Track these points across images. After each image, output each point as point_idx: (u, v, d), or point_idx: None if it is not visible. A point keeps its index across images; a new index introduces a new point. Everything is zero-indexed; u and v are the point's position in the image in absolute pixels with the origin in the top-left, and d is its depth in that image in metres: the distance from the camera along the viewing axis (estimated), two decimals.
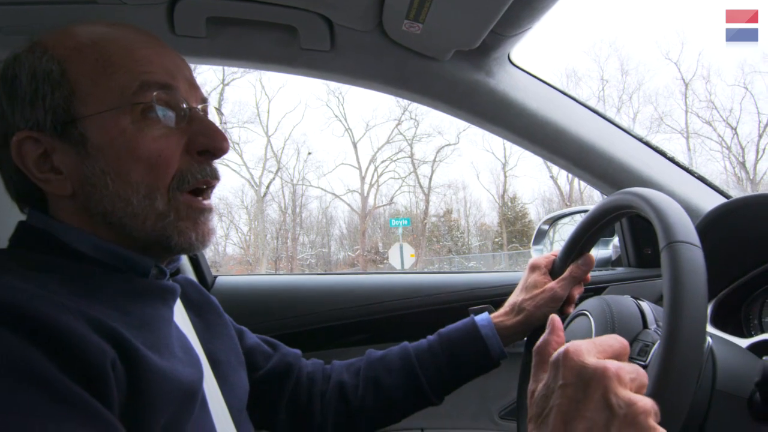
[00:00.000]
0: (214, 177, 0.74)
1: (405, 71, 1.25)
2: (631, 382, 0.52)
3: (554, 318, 0.62)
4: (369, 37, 1.18)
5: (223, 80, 25.95)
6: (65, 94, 0.67)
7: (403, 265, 18.96)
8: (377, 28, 1.16)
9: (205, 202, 0.73)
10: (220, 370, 0.81)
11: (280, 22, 1.15)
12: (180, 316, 0.80)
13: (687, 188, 1.29)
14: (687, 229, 0.67)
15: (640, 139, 1.33)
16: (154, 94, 0.69)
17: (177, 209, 0.70)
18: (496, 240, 29.59)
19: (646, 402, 0.51)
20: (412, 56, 1.22)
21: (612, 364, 0.52)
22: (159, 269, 0.74)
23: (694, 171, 1.33)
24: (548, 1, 1.04)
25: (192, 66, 0.80)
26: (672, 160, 1.33)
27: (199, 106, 0.75)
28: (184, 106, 0.72)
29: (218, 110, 0.78)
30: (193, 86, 0.75)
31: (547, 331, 0.61)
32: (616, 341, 0.56)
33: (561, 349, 0.54)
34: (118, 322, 0.61)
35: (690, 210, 1.25)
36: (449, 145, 28.38)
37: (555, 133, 1.27)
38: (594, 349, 0.54)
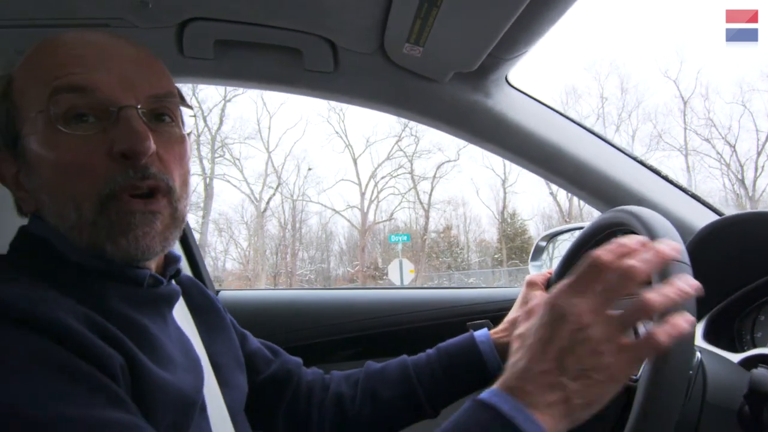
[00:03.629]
0: (143, 178, 0.66)
1: (405, 92, 1.28)
2: (592, 311, 0.57)
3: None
4: (371, 59, 1.22)
5: (225, 96, 26.13)
6: (8, 109, 0.68)
7: (403, 281, 18.91)
8: (379, 50, 1.19)
9: (138, 201, 0.66)
10: (220, 373, 0.81)
11: (286, 44, 1.19)
12: (183, 317, 0.81)
13: (680, 206, 1.32)
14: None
15: (635, 158, 1.36)
16: (68, 97, 0.65)
17: (108, 216, 0.65)
18: (496, 256, 29.51)
19: (594, 332, 0.56)
20: (413, 78, 1.25)
21: (562, 301, 0.59)
22: (154, 278, 0.72)
23: (687, 189, 1.35)
24: (544, 26, 1.07)
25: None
26: (666, 178, 1.36)
27: (139, 106, 0.67)
28: (110, 108, 0.66)
29: (183, 100, 0.73)
30: (129, 85, 0.68)
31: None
32: (583, 266, 0.60)
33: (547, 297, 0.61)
34: (120, 330, 0.62)
35: (683, 227, 1.28)
36: (449, 161, 28.48)
37: (551, 152, 1.30)
38: (565, 288, 0.60)
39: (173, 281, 0.79)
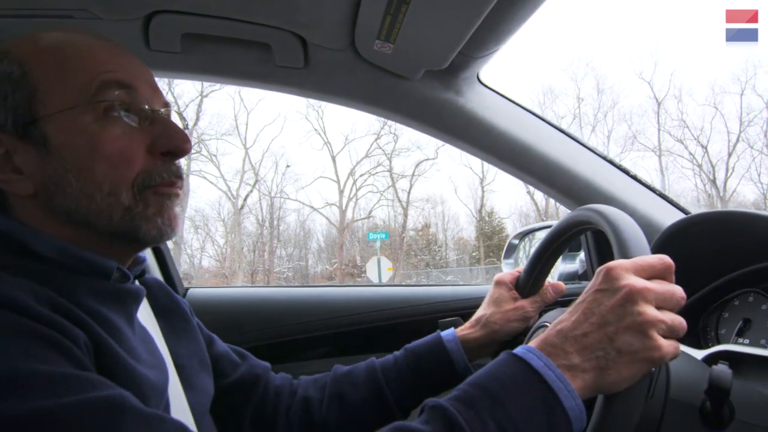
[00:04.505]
0: (179, 176, 0.75)
1: (377, 89, 1.28)
2: (654, 301, 0.62)
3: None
4: (342, 56, 1.21)
5: (202, 92, 25.79)
6: (26, 95, 0.68)
7: (381, 279, 18.92)
8: (350, 47, 1.18)
9: (169, 188, 0.74)
10: (184, 374, 0.81)
11: (255, 39, 1.17)
12: (147, 317, 0.81)
13: (648, 205, 1.34)
14: (640, 245, 0.70)
15: (605, 158, 1.38)
16: (116, 93, 0.70)
17: (145, 201, 0.71)
18: (474, 254, 29.74)
19: (654, 315, 0.61)
20: (384, 75, 1.25)
21: (639, 283, 0.62)
22: (122, 272, 0.74)
23: (655, 188, 1.37)
24: (514, 25, 1.07)
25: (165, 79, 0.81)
26: (635, 177, 1.37)
27: (162, 110, 0.76)
28: (146, 107, 0.73)
29: (180, 114, 0.80)
30: (155, 90, 0.76)
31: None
32: (659, 261, 0.65)
33: (607, 264, 0.65)
34: (87, 317, 0.62)
35: (651, 225, 1.30)
36: (428, 159, 28.56)
37: (521, 150, 1.31)
38: (632, 267, 0.64)
39: (137, 282, 0.80)
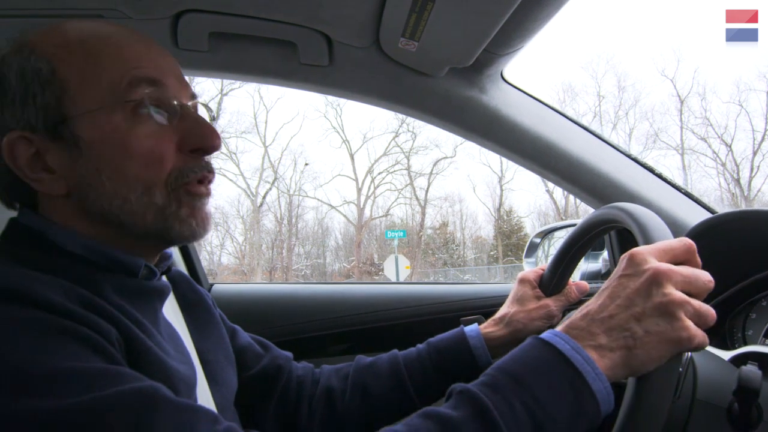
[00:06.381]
0: (210, 171, 0.75)
1: (400, 86, 1.28)
2: (680, 284, 0.62)
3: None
4: (366, 54, 1.21)
5: (222, 90, 26.03)
6: (56, 93, 0.67)
7: (398, 277, 18.90)
8: (374, 44, 1.19)
9: (203, 188, 0.74)
10: (209, 369, 0.82)
11: (281, 37, 1.18)
12: (172, 313, 0.81)
13: (673, 203, 1.32)
14: (664, 234, 0.70)
15: (629, 156, 1.36)
16: (145, 91, 0.69)
17: (178, 200, 0.71)
18: (492, 253, 29.60)
19: (680, 296, 0.61)
20: (408, 72, 1.25)
21: (665, 267, 0.62)
22: (149, 269, 0.74)
23: (680, 187, 1.35)
24: (539, 23, 1.07)
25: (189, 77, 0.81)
26: (659, 176, 1.36)
27: (190, 103, 0.75)
28: (175, 103, 0.71)
29: (206, 106, 0.79)
30: (183, 83, 0.76)
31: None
32: (680, 243, 0.66)
33: (631, 250, 0.66)
34: (117, 313, 0.63)
35: (676, 225, 1.28)
36: (446, 158, 28.52)
37: (545, 148, 1.30)
38: (655, 251, 0.65)
39: (164, 277, 0.81)
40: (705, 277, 0.64)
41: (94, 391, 0.51)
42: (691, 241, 0.66)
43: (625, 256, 0.66)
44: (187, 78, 0.79)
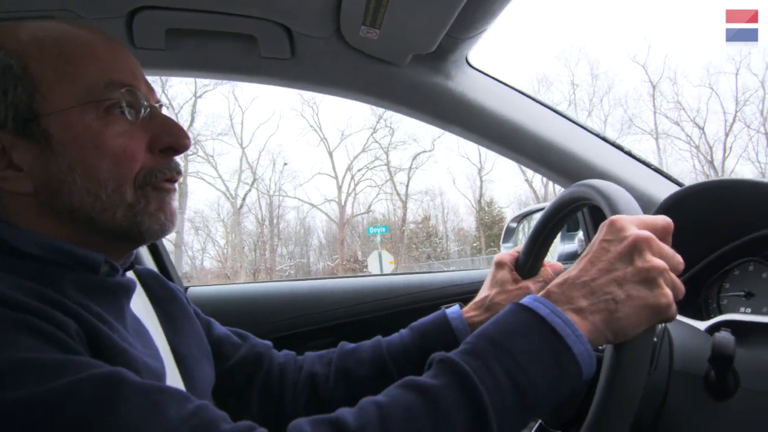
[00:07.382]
0: (179, 172, 0.76)
1: (365, 76, 1.27)
2: (657, 254, 0.63)
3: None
4: (328, 44, 1.20)
5: (196, 93, 25.77)
6: (28, 90, 0.66)
7: (383, 272, 18.93)
8: (335, 34, 1.17)
9: (169, 184, 0.75)
10: (183, 364, 0.81)
11: (240, 32, 1.16)
12: (143, 309, 0.81)
13: (643, 179, 1.33)
14: (632, 208, 0.70)
15: (598, 135, 1.37)
16: (121, 91, 0.70)
17: (146, 197, 0.72)
18: (475, 245, 29.78)
19: (661, 263, 0.62)
20: (372, 61, 1.24)
21: (646, 233, 0.63)
22: (110, 265, 0.73)
23: (650, 163, 1.36)
24: (499, 4, 1.06)
25: (151, 78, 0.81)
26: (629, 153, 1.37)
27: (157, 105, 0.77)
28: (146, 104, 0.73)
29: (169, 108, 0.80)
30: (149, 85, 0.77)
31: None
32: (661, 219, 0.67)
33: (611, 217, 0.67)
34: (77, 307, 0.62)
35: (647, 199, 1.29)
36: (425, 152, 28.57)
37: (514, 130, 1.30)
38: (636, 220, 0.66)
39: (130, 274, 0.81)
40: (678, 257, 0.65)
41: (51, 381, 0.51)
42: (670, 221, 0.67)
43: (605, 223, 0.66)
44: (157, 83, 0.79)
